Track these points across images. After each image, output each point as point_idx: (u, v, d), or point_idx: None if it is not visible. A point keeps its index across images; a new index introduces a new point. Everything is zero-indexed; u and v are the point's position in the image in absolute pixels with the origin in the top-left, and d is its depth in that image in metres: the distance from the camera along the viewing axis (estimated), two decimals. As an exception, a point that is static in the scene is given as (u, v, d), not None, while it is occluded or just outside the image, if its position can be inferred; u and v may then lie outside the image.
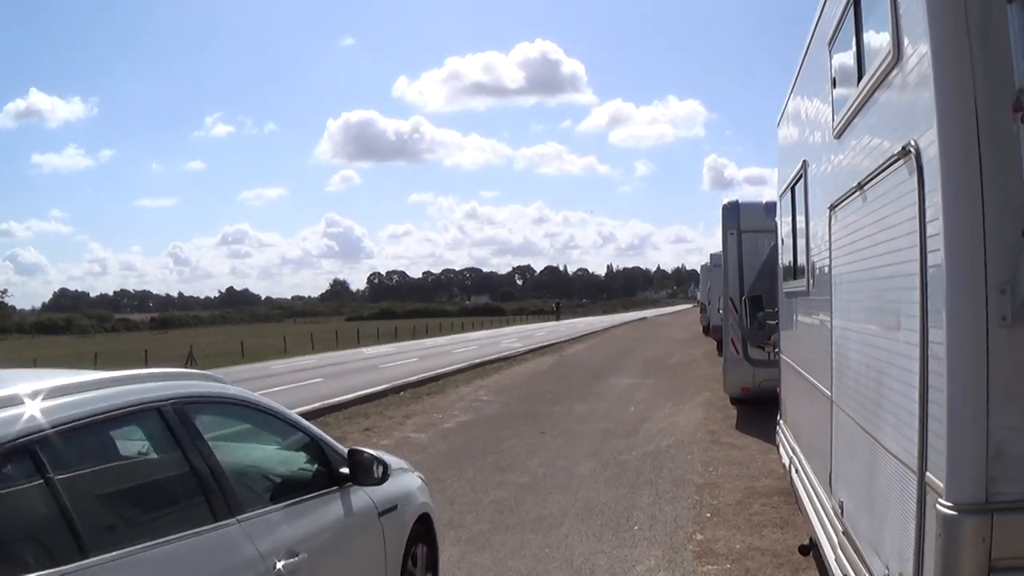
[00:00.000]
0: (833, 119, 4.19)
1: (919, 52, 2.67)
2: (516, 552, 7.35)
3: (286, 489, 4.13)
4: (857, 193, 3.64)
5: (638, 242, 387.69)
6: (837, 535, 4.13)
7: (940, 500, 2.47)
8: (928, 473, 2.62)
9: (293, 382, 23.92)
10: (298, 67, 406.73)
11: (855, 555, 3.71)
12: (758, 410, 14.18)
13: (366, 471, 4.59)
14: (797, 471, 5.92)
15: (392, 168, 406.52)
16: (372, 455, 4.74)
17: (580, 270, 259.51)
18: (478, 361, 28.34)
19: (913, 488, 2.72)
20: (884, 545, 3.15)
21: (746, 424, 13.42)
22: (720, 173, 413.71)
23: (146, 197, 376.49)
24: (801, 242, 5.93)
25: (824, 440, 4.64)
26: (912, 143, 2.73)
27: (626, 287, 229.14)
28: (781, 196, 7.05)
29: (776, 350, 13.08)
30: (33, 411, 2.97)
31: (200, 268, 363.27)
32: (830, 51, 4.20)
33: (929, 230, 2.61)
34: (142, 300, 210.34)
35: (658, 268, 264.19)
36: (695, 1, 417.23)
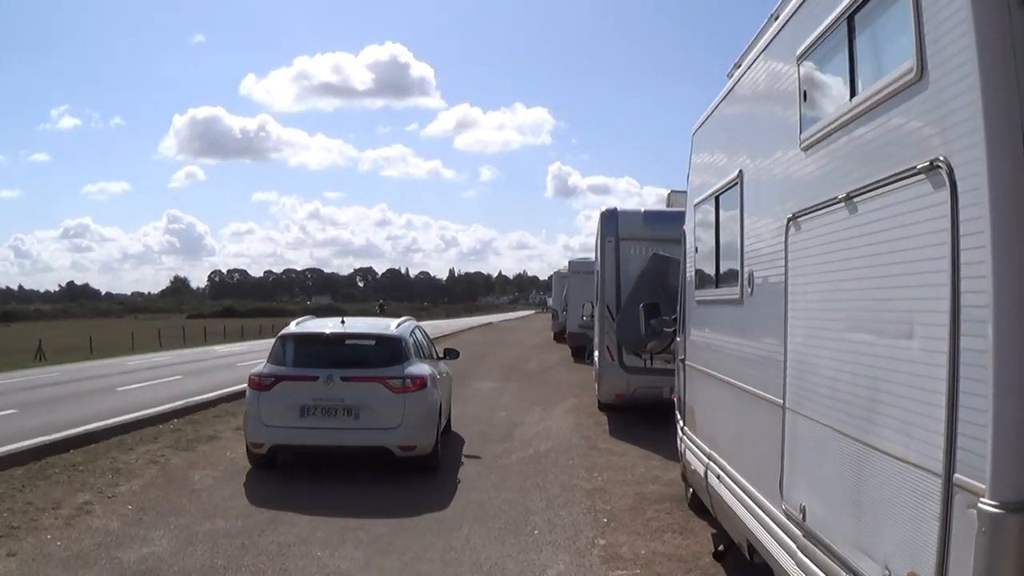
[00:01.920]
0: (801, 131, 4.28)
1: (956, 70, 2.75)
2: (422, 555, 7.20)
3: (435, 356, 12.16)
4: (838, 205, 3.72)
5: (480, 247, 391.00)
6: (795, 539, 4.21)
7: (982, 500, 2.54)
8: (957, 475, 2.69)
9: (153, 379, 22.96)
10: (148, 62, 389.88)
11: (826, 557, 3.78)
12: (630, 417, 14.50)
13: (447, 354, 13.26)
14: (719, 478, 6.03)
15: (237, 166, 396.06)
16: (448, 349, 13.59)
17: (422, 273, 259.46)
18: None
19: (935, 489, 2.79)
20: (881, 546, 3.23)
21: (620, 431, 13.66)
22: (564, 181, 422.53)
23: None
24: (731, 251, 6.05)
25: (769, 447, 4.73)
26: (941, 159, 2.80)
27: (468, 292, 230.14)
28: (697, 205, 7.18)
29: (661, 358, 13.40)
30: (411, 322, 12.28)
31: (41, 261, 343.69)
32: (799, 65, 4.29)
33: (965, 243, 2.69)
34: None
35: (500, 274, 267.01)
36: (546, 10, 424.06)
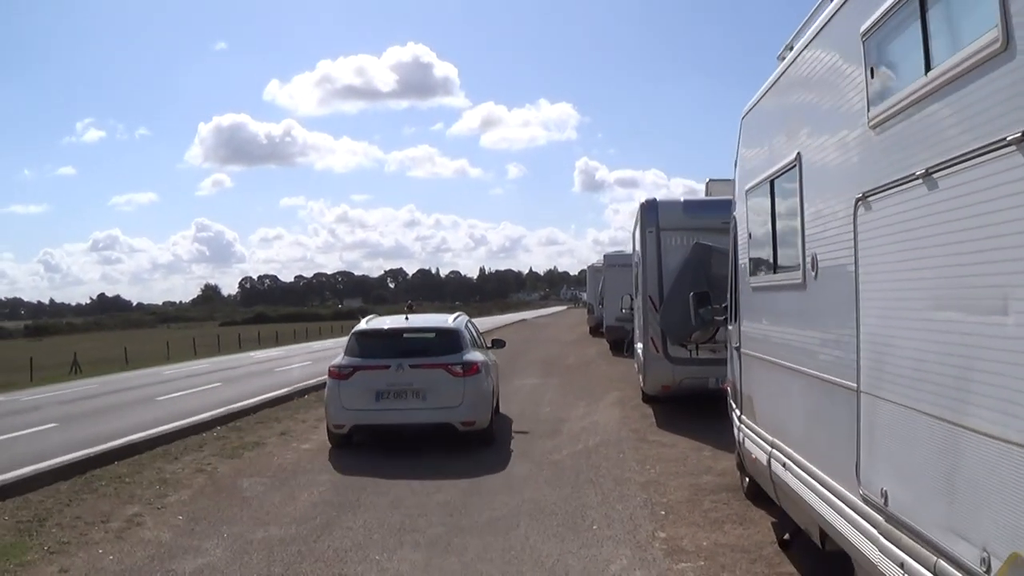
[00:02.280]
0: (869, 110, 4.18)
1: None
2: (481, 556, 7.14)
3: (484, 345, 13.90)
4: (916, 182, 3.61)
5: (510, 244, 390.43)
6: (876, 525, 4.12)
7: None
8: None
9: (192, 387, 23.10)
10: (171, 72, 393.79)
11: (912, 542, 3.69)
12: (676, 408, 14.38)
13: (494, 344, 15.31)
14: (785, 466, 5.93)
15: (263, 172, 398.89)
16: (495, 340, 16.07)
17: (452, 273, 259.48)
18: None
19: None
20: (979, 528, 3.14)
21: (668, 422, 13.54)
22: (591, 176, 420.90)
23: (17, 203, 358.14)
24: (790, 235, 5.95)
25: (842, 432, 4.64)
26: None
27: (498, 289, 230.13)
28: (749, 192, 7.07)
29: (707, 347, 13.30)
30: (464, 317, 13.83)
31: (71, 275, 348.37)
32: (864, 42, 4.18)
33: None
34: (13, 308, 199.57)
35: (530, 270, 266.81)
36: (567, 4, 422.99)
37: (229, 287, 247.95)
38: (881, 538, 4.04)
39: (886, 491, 4.03)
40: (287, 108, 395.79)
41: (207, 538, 7.88)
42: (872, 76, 4.15)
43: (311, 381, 21.84)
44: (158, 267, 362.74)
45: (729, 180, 14.51)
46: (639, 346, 16.31)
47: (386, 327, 13.27)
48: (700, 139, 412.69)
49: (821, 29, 4.98)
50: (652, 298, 13.84)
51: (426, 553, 7.25)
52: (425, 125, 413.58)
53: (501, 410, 14.53)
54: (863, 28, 4.17)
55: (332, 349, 41.25)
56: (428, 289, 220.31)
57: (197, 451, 12.36)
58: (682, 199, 14.41)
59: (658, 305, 13.78)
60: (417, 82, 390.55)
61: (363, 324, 13.35)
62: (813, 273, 5.26)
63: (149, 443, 12.70)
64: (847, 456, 4.57)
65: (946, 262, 3.43)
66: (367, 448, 12.40)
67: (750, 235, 7.12)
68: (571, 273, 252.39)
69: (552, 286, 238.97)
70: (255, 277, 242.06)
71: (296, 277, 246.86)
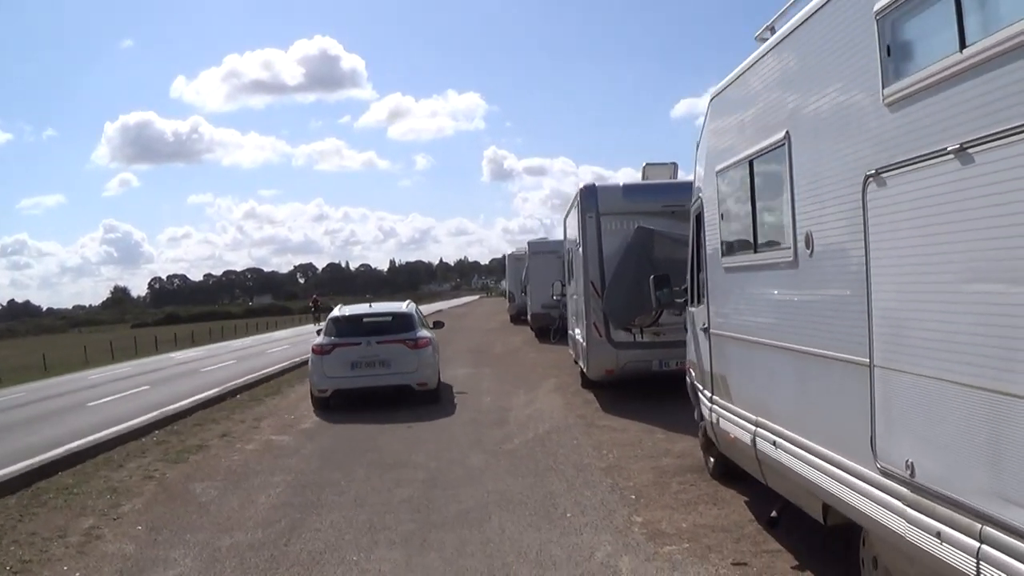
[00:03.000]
0: (884, 87, 4.16)
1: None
2: (461, 551, 7.00)
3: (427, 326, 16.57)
4: (945, 158, 3.61)
5: (419, 236, 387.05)
6: (901, 497, 4.12)
7: None
8: None
9: (120, 391, 22.31)
10: (78, 71, 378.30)
11: (949, 510, 3.70)
12: (617, 393, 14.42)
13: (435, 325, 17.96)
14: (776, 444, 5.93)
15: (170, 170, 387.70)
16: (436, 321, 18.63)
17: (362, 266, 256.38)
18: (300, 360, 27.20)
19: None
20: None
21: (613, 407, 13.56)
22: (500, 165, 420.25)
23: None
24: (774, 214, 5.95)
25: (852, 407, 4.65)
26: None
27: (409, 281, 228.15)
28: (721, 172, 7.05)
29: (651, 330, 13.35)
30: (413, 304, 17.43)
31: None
32: (879, 19, 4.15)
33: None
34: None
35: (440, 261, 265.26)
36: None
37: (139, 288, 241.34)
38: (909, 510, 4.05)
39: (912, 463, 4.03)
40: (194, 104, 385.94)
41: (172, 548, 7.55)
42: (888, 55, 4.12)
43: (239, 381, 21.34)
44: (67, 271, 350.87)
45: (666, 164, 14.72)
46: (576, 332, 16.34)
47: (356, 313, 16.65)
48: (607, 127, 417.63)
49: (819, 9, 4.95)
50: (594, 283, 13.82)
51: (403, 551, 7.08)
52: (332, 118, 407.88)
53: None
54: (877, 7, 4.14)
55: (253, 347, 40.70)
56: (339, 283, 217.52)
57: (140, 457, 11.89)
58: (621, 183, 14.40)
59: (600, 290, 13.76)
60: (324, 75, 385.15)
61: (337, 312, 16.61)
62: (808, 251, 5.25)
63: (91, 451, 12.17)
64: (859, 431, 4.58)
65: (981, 236, 3.43)
66: (319, 441, 12.13)
67: (722, 216, 7.11)
68: (482, 262, 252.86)
69: (463, 276, 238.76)
70: (164, 277, 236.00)
71: (205, 275, 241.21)
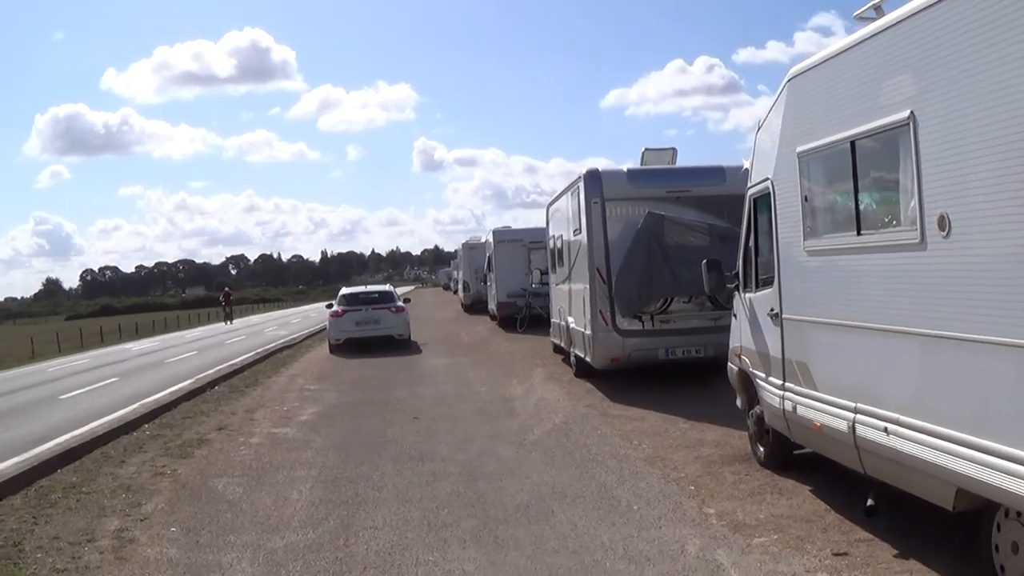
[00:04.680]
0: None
1: None
2: (541, 547, 6.70)
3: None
4: None
5: (350, 227, 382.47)
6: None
7: None
8: None
9: (88, 384, 21.30)
10: (7, 64, 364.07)
11: None
12: (618, 382, 14.24)
13: (406, 300, 28.12)
14: (888, 431, 5.76)
15: (101, 162, 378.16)
16: (406, 298, 29.19)
17: (295, 257, 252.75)
18: (264, 352, 26.63)
19: None
20: None
21: (620, 396, 13.36)
22: (430, 155, 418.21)
23: None
24: (888, 195, 5.80)
25: (1007, 390, 4.56)
26: None
27: (341, 272, 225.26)
28: (806, 154, 6.84)
29: (660, 319, 13.19)
30: (391, 285, 30.42)
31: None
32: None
33: None
34: None
35: (372, 252, 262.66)
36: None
37: (70, 280, 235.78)
38: None
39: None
40: (124, 96, 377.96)
41: (221, 551, 7.05)
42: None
43: (210, 372, 20.70)
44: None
45: (665, 149, 14.56)
46: (569, 320, 16.13)
47: (356, 291, 27.50)
48: (537, 118, 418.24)
49: None
50: (600, 270, 13.59)
51: (479, 549, 6.73)
52: (263, 110, 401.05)
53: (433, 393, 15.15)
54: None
55: (208, 338, 39.79)
56: (271, 274, 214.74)
57: (140, 452, 11.30)
58: (625, 169, 14.17)
59: (606, 277, 13.55)
60: (255, 67, 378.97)
61: (345, 290, 27.29)
62: (943, 232, 5.08)
63: (86, 447, 11.48)
64: (1019, 415, 4.48)
65: None
66: (326, 434, 11.71)
67: (805, 198, 6.92)
68: (414, 253, 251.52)
69: (395, 266, 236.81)
70: (96, 269, 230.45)
71: (137, 267, 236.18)
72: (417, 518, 7.69)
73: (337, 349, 24.57)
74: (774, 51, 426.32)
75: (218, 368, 21.70)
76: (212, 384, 18.12)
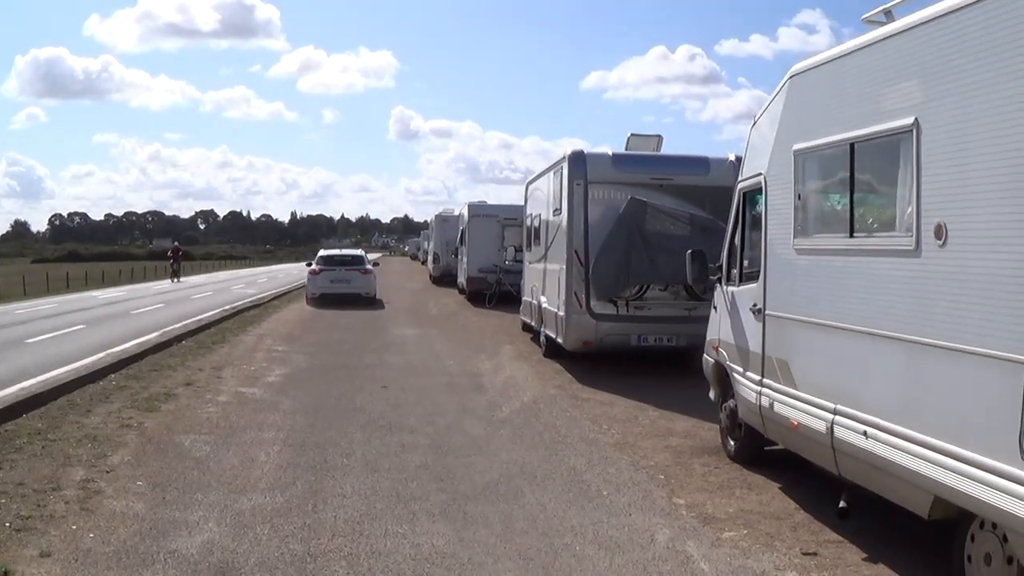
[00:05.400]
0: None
1: None
2: (510, 526, 6.67)
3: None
4: None
5: (322, 190, 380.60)
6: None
7: None
8: None
9: (55, 329, 21.06)
10: None
11: None
12: (589, 365, 14.25)
13: (375, 264, 32.16)
14: (866, 435, 5.78)
15: (78, 107, 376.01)
16: (375, 262, 33.58)
17: (264, 216, 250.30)
18: (231, 309, 26.37)
19: None
20: None
21: (589, 379, 13.36)
22: (407, 125, 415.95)
23: None
24: (886, 200, 5.80)
25: (992, 404, 4.60)
26: None
27: (310, 234, 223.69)
28: (802, 153, 6.82)
29: (635, 304, 13.19)
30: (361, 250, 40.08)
31: None
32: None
33: None
34: None
35: (342, 216, 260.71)
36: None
37: (39, 224, 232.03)
38: None
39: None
40: (106, 44, 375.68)
41: (188, 509, 6.95)
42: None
43: (177, 326, 20.50)
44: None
45: (651, 136, 14.52)
46: (542, 300, 16.10)
47: (332, 253, 32.24)
48: (516, 95, 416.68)
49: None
50: (578, 252, 13.55)
51: (448, 524, 6.68)
52: (243, 66, 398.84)
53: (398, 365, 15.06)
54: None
55: (175, 291, 39.41)
56: (239, 231, 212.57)
57: (106, 402, 11.12)
58: (610, 152, 14.10)
59: (583, 259, 13.51)
60: (239, 22, 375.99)
61: (323, 252, 31.98)
62: (939, 241, 5.09)
63: (52, 393, 11.30)
64: (1002, 428, 4.51)
65: None
66: (294, 397, 11.61)
67: (798, 195, 6.91)
68: (383, 220, 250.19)
69: (364, 233, 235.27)
70: (65, 214, 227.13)
71: (106, 215, 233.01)
72: (386, 489, 7.64)
73: (313, 302, 28.24)
74: (757, 45, 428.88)
75: (185, 323, 21.51)
76: (179, 338, 17.92)
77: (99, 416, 10.28)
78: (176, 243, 60.63)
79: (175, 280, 50.06)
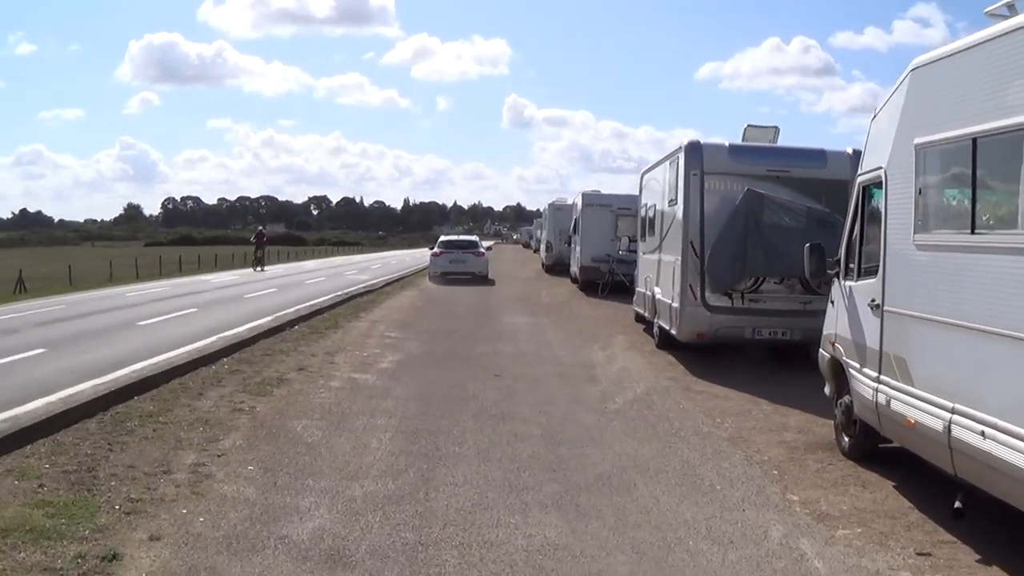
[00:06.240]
0: None
1: None
2: (623, 520, 6.75)
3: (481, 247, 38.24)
4: None
5: (435, 177, 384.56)
6: None
7: None
8: None
9: (167, 312, 21.96)
10: None
11: None
12: (703, 357, 14.18)
13: (488, 249, 42.65)
14: (984, 435, 5.68)
15: (191, 92, 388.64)
16: (488, 247, 47.88)
17: (376, 202, 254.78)
18: (344, 295, 27.12)
19: None
20: None
21: (703, 372, 13.30)
22: (520, 113, 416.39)
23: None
24: (1006, 197, 5.69)
25: None
26: None
27: (422, 221, 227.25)
28: (924, 147, 6.69)
29: (750, 297, 13.09)
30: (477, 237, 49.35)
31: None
32: None
33: None
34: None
35: (454, 204, 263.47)
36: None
37: (151, 207, 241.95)
38: None
39: None
40: (220, 29, 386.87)
41: (299, 495, 7.16)
42: None
43: (290, 311, 21.19)
44: (81, 184, 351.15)
45: (768, 127, 14.35)
46: (656, 291, 16.08)
47: (451, 239, 39.44)
48: (630, 85, 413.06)
49: None
50: (694, 244, 13.50)
51: (560, 516, 6.78)
52: (357, 53, 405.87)
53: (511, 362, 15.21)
54: None
55: (287, 276, 40.78)
56: (352, 217, 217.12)
57: (218, 386, 11.54)
58: (727, 143, 13.98)
59: (699, 251, 13.45)
60: (353, 9, 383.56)
61: (443, 238, 39.53)
62: None
63: (164, 375, 11.76)
64: None
65: None
66: (407, 384, 11.95)
67: (919, 191, 6.79)
68: (495, 208, 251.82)
69: (476, 220, 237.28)
70: (178, 198, 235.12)
71: (219, 199, 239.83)
72: (498, 478, 7.80)
73: (434, 279, 34.21)
74: (871, 37, 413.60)
75: (298, 308, 22.18)
76: (292, 323, 18.52)
77: (211, 400, 10.65)
78: (261, 227, 56.44)
79: (258, 269, 45.93)
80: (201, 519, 6.50)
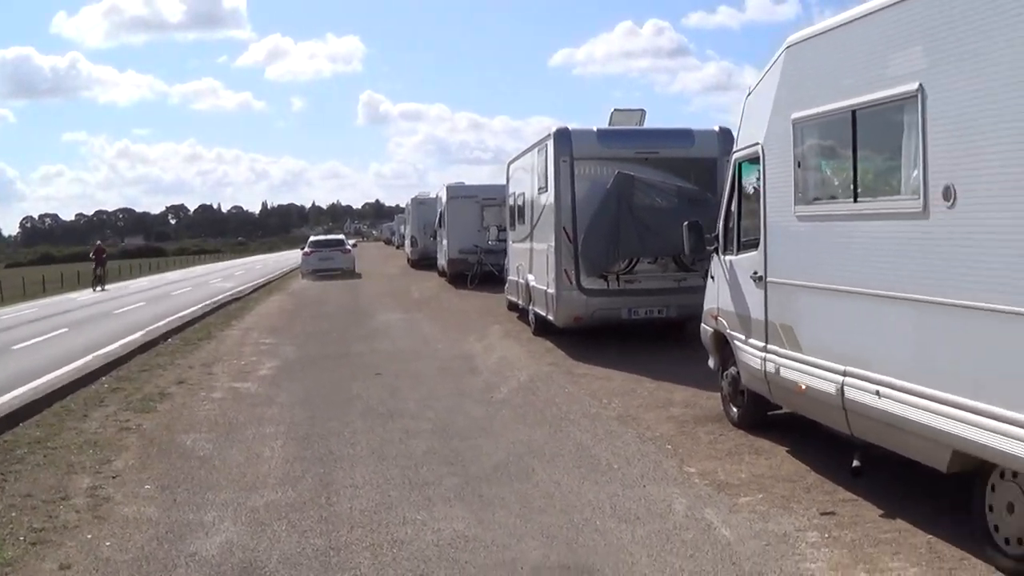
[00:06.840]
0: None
1: None
2: (528, 505, 6.69)
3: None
4: None
5: (292, 179, 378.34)
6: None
7: None
8: None
9: (40, 334, 20.96)
10: None
11: None
12: (581, 341, 14.28)
13: (353, 246, 45.17)
14: (879, 394, 5.86)
15: (47, 106, 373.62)
16: (354, 244, 50.69)
17: (234, 207, 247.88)
18: (213, 304, 26.19)
19: None
20: None
21: (582, 355, 13.39)
22: (376, 109, 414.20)
23: None
24: (891, 165, 5.87)
25: (1015, 356, 4.69)
26: None
27: (281, 224, 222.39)
28: (802, 122, 6.86)
29: (625, 279, 13.24)
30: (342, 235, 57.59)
31: None
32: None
33: None
34: None
35: (313, 204, 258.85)
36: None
37: (10, 227, 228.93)
38: None
39: None
40: (74, 40, 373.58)
41: (201, 510, 6.85)
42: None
43: (160, 324, 20.36)
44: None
45: (634, 110, 14.53)
46: (530, 279, 16.11)
47: (320, 238, 44.02)
48: (484, 75, 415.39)
49: None
50: (567, 229, 13.56)
51: (465, 508, 6.67)
52: (210, 57, 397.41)
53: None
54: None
55: (153, 289, 39.10)
56: (210, 224, 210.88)
57: (101, 406, 10.99)
58: (595, 128, 14.08)
59: (572, 236, 13.53)
60: (205, 13, 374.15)
61: (312, 238, 44.08)
62: (947, 203, 5.16)
63: (47, 399, 11.14)
64: (1021, 379, 4.63)
65: None
66: (289, 390, 11.58)
67: (798, 163, 6.96)
68: (355, 206, 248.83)
69: (335, 220, 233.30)
70: (36, 216, 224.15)
71: (77, 215, 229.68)
72: (397, 476, 7.62)
73: (307, 276, 36.69)
74: (724, 16, 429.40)
75: (168, 320, 21.37)
76: (165, 336, 17.80)
77: (96, 420, 10.15)
78: (99, 242, 47.44)
79: (98, 289, 39.78)
80: (108, 543, 6.22)
